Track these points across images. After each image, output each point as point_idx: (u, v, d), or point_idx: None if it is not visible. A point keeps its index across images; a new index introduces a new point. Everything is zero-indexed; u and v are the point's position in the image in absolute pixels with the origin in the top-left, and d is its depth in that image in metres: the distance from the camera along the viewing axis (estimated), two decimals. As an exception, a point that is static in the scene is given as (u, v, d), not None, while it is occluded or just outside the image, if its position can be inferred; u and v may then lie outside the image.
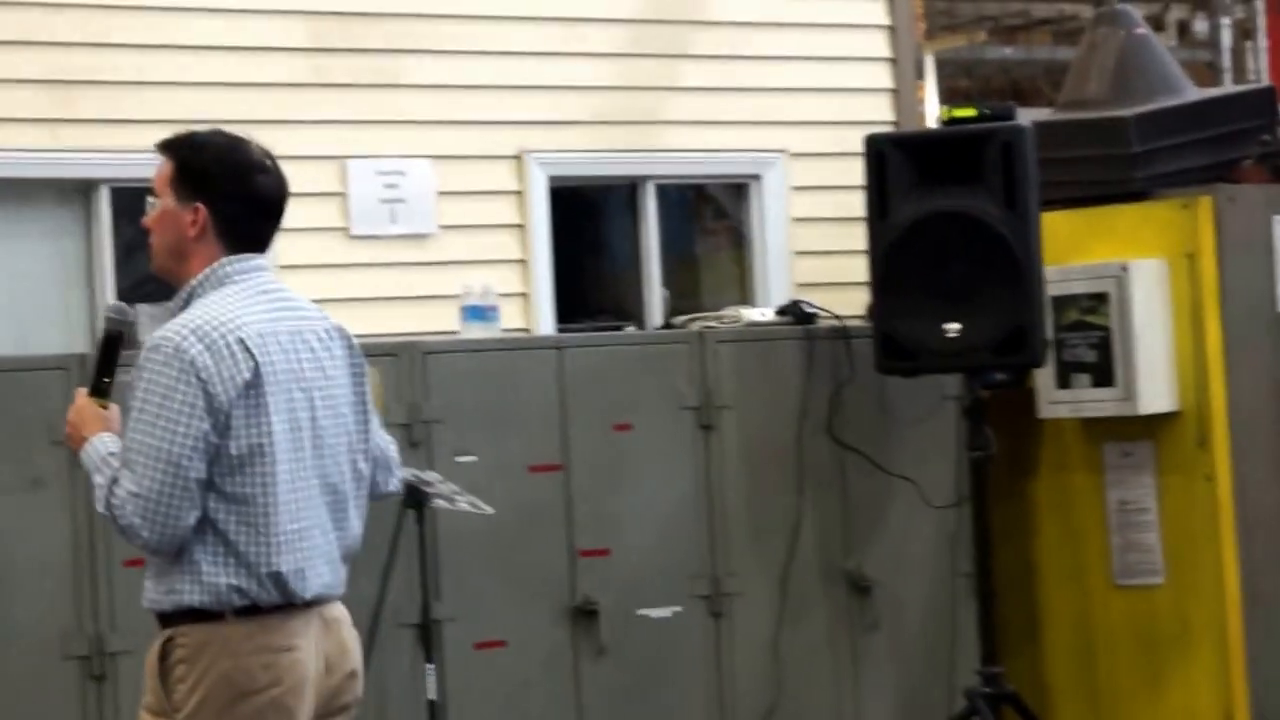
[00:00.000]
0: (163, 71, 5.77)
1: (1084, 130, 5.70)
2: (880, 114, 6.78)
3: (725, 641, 5.22)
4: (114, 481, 3.07)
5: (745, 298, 6.57)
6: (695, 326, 5.54)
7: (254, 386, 3.08)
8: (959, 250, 5.20)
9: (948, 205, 5.23)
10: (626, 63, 6.47)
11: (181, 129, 3.24)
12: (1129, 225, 5.55)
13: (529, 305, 6.23)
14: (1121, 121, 5.63)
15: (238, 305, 3.12)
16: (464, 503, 4.62)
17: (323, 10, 6.04)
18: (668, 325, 5.95)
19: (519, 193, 6.28)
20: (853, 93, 6.78)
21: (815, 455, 5.36)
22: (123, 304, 3.39)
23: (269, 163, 3.20)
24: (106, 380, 3.19)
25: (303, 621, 3.11)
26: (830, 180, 6.59)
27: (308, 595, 3.11)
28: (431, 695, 4.58)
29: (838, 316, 5.53)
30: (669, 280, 6.58)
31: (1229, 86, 9.19)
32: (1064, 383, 5.51)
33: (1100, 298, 5.46)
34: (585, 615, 4.99)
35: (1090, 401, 5.48)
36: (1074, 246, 5.56)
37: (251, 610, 3.08)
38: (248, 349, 3.09)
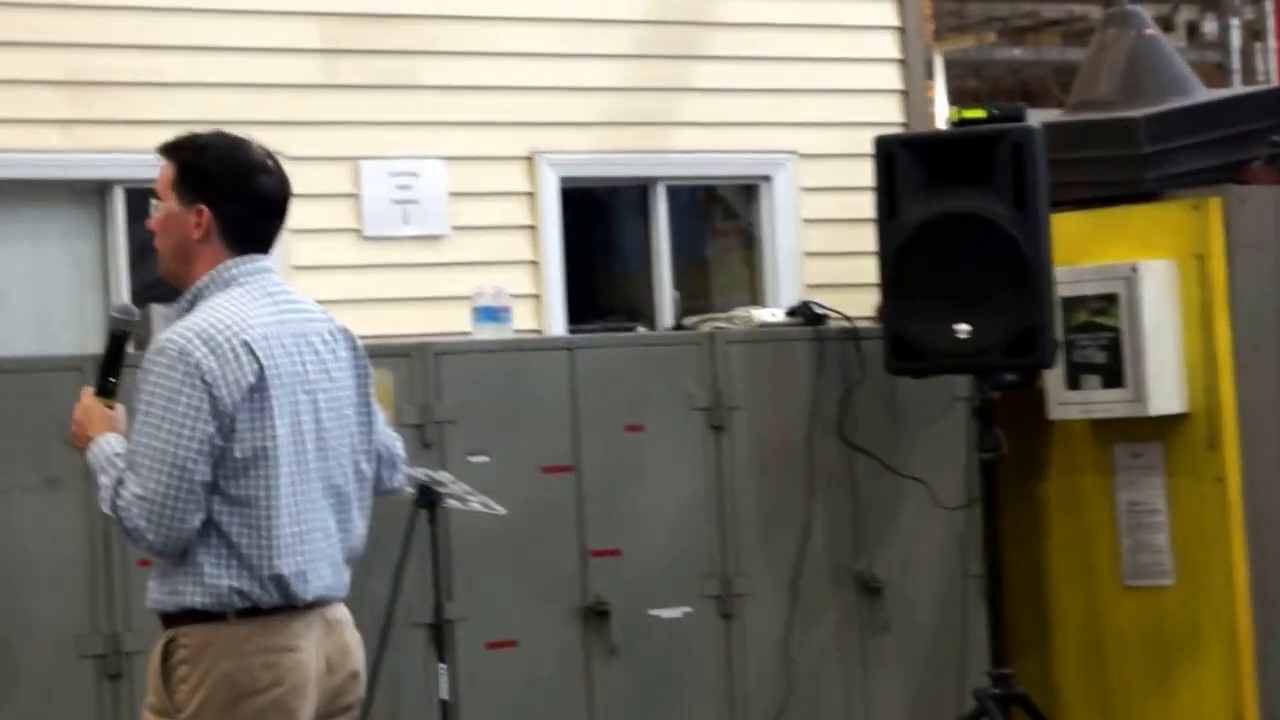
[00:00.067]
0: (177, 73, 5.79)
1: (1094, 131, 5.70)
2: (890, 115, 6.78)
3: (736, 642, 5.23)
4: (119, 483, 3.09)
5: (755, 299, 6.58)
6: (706, 327, 5.55)
7: (258, 390, 3.09)
8: (969, 251, 5.21)
9: (957, 206, 5.24)
10: (637, 64, 6.48)
11: (191, 130, 3.24)
12: (1139, 226, 5.56)
13: (540, 306, 6.24)
14: (1131, 122, 5.63)
15: (243, 308, 3.13)
16: (476, 503, 4.64)
17: (336, 12, 6.06)
18: (678, 326, 5.97)
19: (530, 194, 6.30)
20: (862, 94, 6.79)
21: (825, 456, 5.37)
22: (128, 304, 3.40)
23: (270, 163, 3.21)
24: (112, 380, 3.20)
25: (304, 623, 3.13)
26: (840, 181, 6.60)
27: (309, 597, 3.13)
28: (444, 695, 4.60)
29: (848, 317, 5.54)
30: (679, 281, 6.59)
31: (1238, 87, 9.18)
32: (1074, 384, 5.52)
33: (1110, 299, 5.47)
34: (596, 615, 5.01)
35: (1100, 403, 5.49)
36: (1084, 247, 5.57)
37: (253, 611, 3.09)
38: (252, 352, 3.10)
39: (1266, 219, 5.55)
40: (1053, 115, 6.12)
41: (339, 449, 3.19)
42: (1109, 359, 5.46)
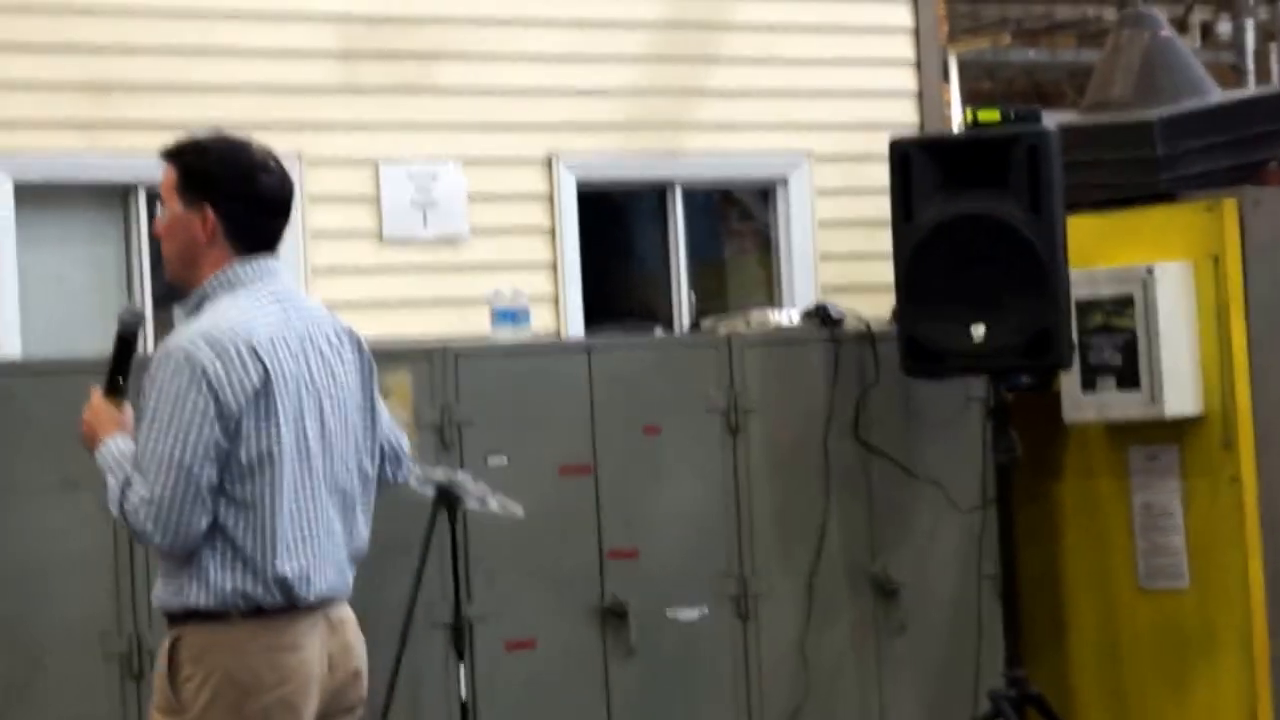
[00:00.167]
0: (198, 76, 5.83)
1: (1108, 133, 5.71)
2: (905, 117, 6.80)
3: (752, 642, 5.25)
4: (127, 484, 3.11)
5: (771, 301, 6.61)
6: (722, 330, 5.57)
7: (264, 393, 3.11)
8: (984, 253, 5.22)
9: (973, 208, 5.25)
10: (654, 68, 6.51)
11: (191, 133, 3.26)
12: (1154, 228, 5.56)
13: (558, 308, 6.27)
14: (1146, 124, 5.64)
15: (248, 311, 3.15)
16: (495, 504, 4.67)
17: (355, 16, 6.09)
18: (694, 328, 5.99)
19: (548, 196, 6.33)
20: (877, 96, 6.81)
21: (841, 458, 5.39)
22: (135, 305, 3.42)
23: (271, 162, 3.22)
24: (121, 380, 3.23)
25: (308, 623, 3.15)
26: (855, 183, 6.62)
27: (312, 598, 3.15)
28: (463, 694, 4.63)
29: (863, 320, 5.55)
30: (695, 283, 6.62)
31: (1253, 89, 9.18)
32: (1089, 386, 5.52)
33: (1125, 301, 5.47)
34: (614, 615, 5.03)
35: (1115, 404, 5.49)
36: (1099, 249, 5.57)
37: (257, 612, 3.12)
38: (258, 356, 3.12)
39: (1281, 220, 5.56)
40: (1067, 117, 6.13)
41: (344, 450, 3.22)
42: (1124, 361, 5.47)
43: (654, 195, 6.64)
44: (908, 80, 6.89)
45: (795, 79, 6.69)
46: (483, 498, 4.65)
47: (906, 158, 5.32)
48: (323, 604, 3.18)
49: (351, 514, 3.24)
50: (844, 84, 6.77)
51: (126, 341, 3.26)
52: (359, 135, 6.02)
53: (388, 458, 3.34)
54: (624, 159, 6.46)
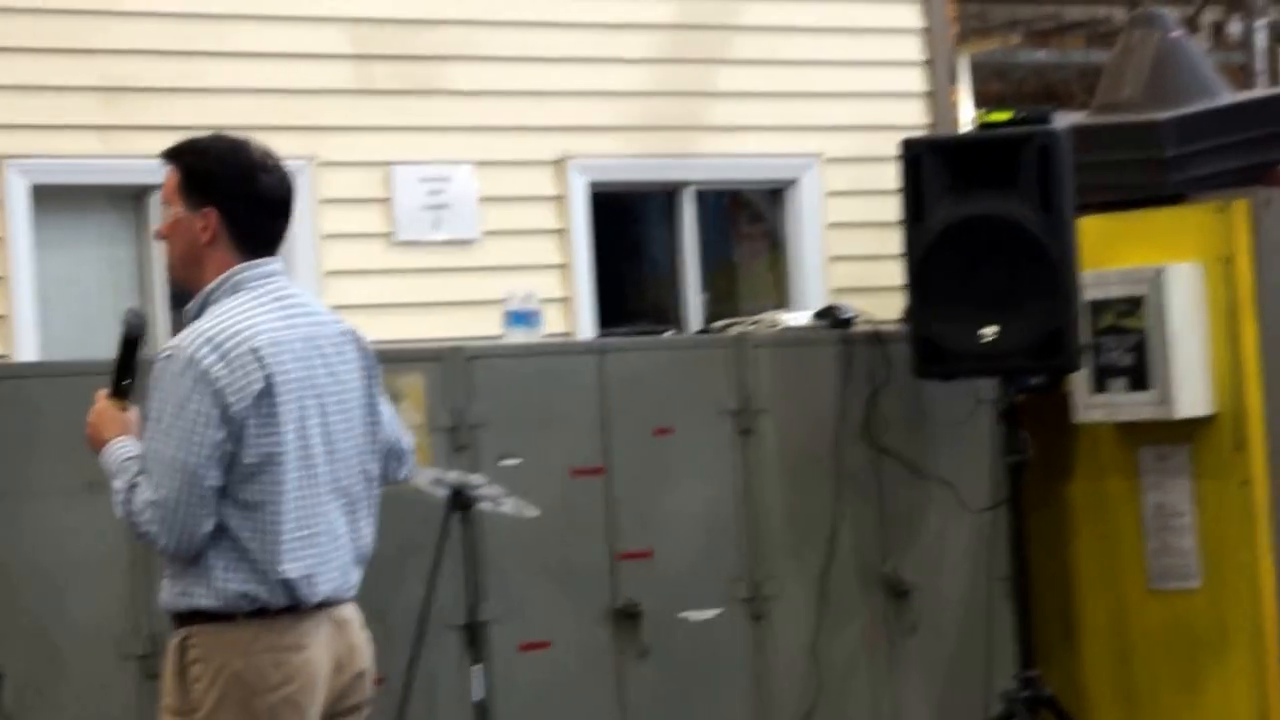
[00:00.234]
0: (211, 78, 5.85)
1: (1119, 134, 5.71)
2: (915, 118, 6.81)
3: (764, 643, 5.27)
4: (132, 487, 3.14)
5: (782, 302, 6.62)
6: (733, 331, 5.59)
7: (267, 396, 3.13)
8: (995, 254, 5.23)
9: (983, 209, 5.26)
10: (665, 69, 6.53)
11: (191, 135, 3.28)
12: (1164, 229, 5.57)
13: (570, 309, 6.29)
14: (1156, 125, 5.64)
15: (251, 313, 3.17)
16: (508, 506, 4.69)
17: (367, 18, 6.11)
18: (705, 330, 6.00)
19: (560, 198, 6.35)
20: (887, 97, 6.82)
21: (852, 459, 5.40)
22: (139, 307, 3.44)
23: (271, 162, 3.24)
24: (126, 382, 3.24)
25: (313, 623, 3.18)
26: (866, 185, 6.63)
27: (316, 599, 3.17)
28: (478, 696, 4.65)
29: (874, 321, 5.57)
30: (706, 285, 6.64)
31: (1263, 89, 9.17)
32: (1100, 387, 5.54)
33: (1136, 301, 5.48)
34: (627, 617, 5.05)
35: (1126, 405, 5.50)
36: (1109, 250, 5.58)
37: (261, 613, 3.14)
38: (261, 358, 3.13)
39: (1292, 221, 5.56)
40: (1078, 118, 6.14)
41: (347, 451, 3.24)
42: (1135, 362, 5.47)
43: (665, 197, 6.66)
44: (918, 81, 6.91)
45: (805, 81, 6.71)
46: (496, 500, 4.67)
47: (917, 159, 5.33)
48: (327, 605, 3.20)
49: (356, 515, 3.26)
50: (854, 85, 6.79)
51: (131, 344, 3.27)
52: (371, 138, 6.04)
53: (391, 454, 3.37)
54: (635, 161, 6.47)
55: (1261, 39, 9.76)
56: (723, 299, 6.68)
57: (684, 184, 6.61)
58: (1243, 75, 9.50)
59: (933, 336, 5.30)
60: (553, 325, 5.97)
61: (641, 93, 6.48)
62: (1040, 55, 9.95)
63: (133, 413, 3.24)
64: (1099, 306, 5.50)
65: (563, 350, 5.44)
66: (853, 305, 5.67)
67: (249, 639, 3.13)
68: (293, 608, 3.15)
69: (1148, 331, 5.45)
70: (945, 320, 5.27)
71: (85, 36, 5.71)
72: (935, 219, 5.30)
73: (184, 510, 3.09)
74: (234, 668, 3.12)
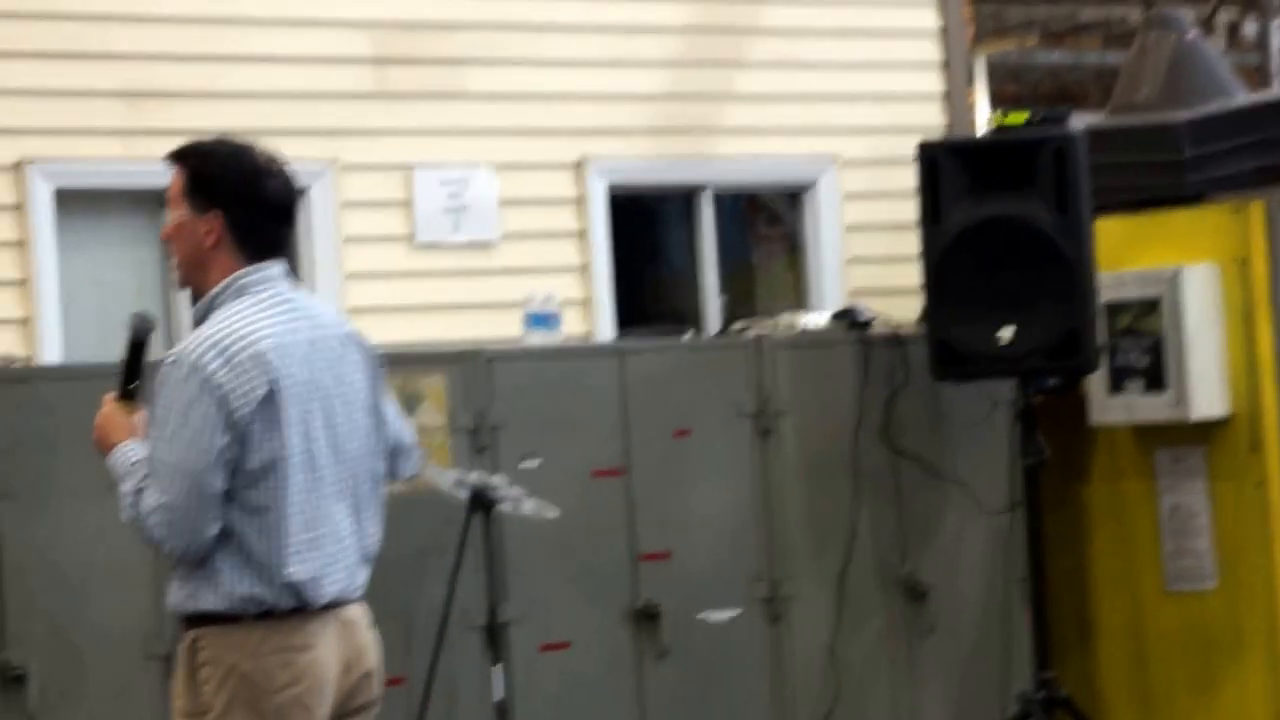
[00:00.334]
0: (232, 83, 5.88)
1: (1135, 135, 5.72)
2: (932, 119, 6.83)
3: (783, 644, 5.29)
4: (139, 491, 3.16)
5: (800, 304, 6.64)
6: (751, 333, 5.61)
7: (271, 400, 3.15)
8: (1012, 256, 5.24)
9: (1000, 211, 5.27)
10: (683, 72, 6.55)
11: (196, 138, 3.30)
12: (1181, 230, 5.58)
13: (589, 311, 6.32)
14: (1172, 126, 5.65)
15: (255, 317, 3.18)
16: (529, 507, 4.72)
17: (387, 22, 6.14)
18: (724, 331, 6.02)
19: (579, 200, 6.38)
20: (904, 99, 6.84)
21: (870, 460, 5.42)
22: (146, 311, 3.46)
23: (275, 167, 3.25)
24: (133, 385, 3.26)
25: (320, 623, 3.20)
26: (883, 187, 6.65)
27: (323, 600, 3.20)
28: (499, 696, 4.68)
29: (891, 323, 5.59)
30: (725, 286, 6.66)
31: (1279, 90, 9.17)
32: (1116, 388, 5.54)
33: (1152, 303, 5.48)
34: (647, 618, 5.07)
35: (1142, 407, 5.51)
36: (1126, 252, 5.59)
37: (268, 615, 3.16)
38: (265, 363, 3.15)
39: (1308, 223, 5.57)
40: (1094, 119, 6.15)
41: (352, 453, 3.26)
42: (1151, 363, 5.48)
43: (683, 199, 6.68)
44: (934, 83, 6.92)
45: (823, 83, 6.73)
46: (517, 501, 4.70)
47: (935, 161, 5.34)
48: (334, 605, 3.22)
49: (362, 515, 3.28)
50: (871, 88, 6.80)
51: (138, 347, 3.29)
52: (392, 141, 6.07)
53: (394, 453, 3.39)
54: (654, 163, 6.50)
55: (1277, 39, 9.75)
56: (741, 301, 6.70)
57: (702, 186, 6.64)
58: (1258, 76, 9.50)
59: (950, 338, 5.31)
60: (572, 327, 5.99)
61: (660, 95, 6.50)
62: (1056, 56, 9.95)
63: (140, 415, 3.26)
64: (1115, 308, 5.51)
65: (582, 352, 5.46)
66: (870, 307, 5.69)
67: (256, 640, 3.15)
68: (300, 609, 3.17)
69: (1164, 333, 5.46)
70: (963, 322, 5.28)
71: (108, 41, 5.75)
72: (952, 221, 5.31)
73: (189, 514, 3.12)
74: (242, 669, 3.14)
